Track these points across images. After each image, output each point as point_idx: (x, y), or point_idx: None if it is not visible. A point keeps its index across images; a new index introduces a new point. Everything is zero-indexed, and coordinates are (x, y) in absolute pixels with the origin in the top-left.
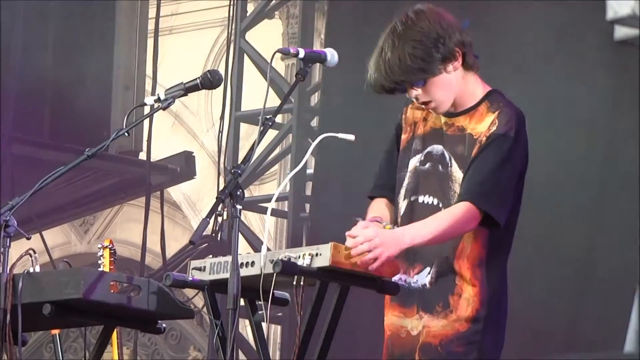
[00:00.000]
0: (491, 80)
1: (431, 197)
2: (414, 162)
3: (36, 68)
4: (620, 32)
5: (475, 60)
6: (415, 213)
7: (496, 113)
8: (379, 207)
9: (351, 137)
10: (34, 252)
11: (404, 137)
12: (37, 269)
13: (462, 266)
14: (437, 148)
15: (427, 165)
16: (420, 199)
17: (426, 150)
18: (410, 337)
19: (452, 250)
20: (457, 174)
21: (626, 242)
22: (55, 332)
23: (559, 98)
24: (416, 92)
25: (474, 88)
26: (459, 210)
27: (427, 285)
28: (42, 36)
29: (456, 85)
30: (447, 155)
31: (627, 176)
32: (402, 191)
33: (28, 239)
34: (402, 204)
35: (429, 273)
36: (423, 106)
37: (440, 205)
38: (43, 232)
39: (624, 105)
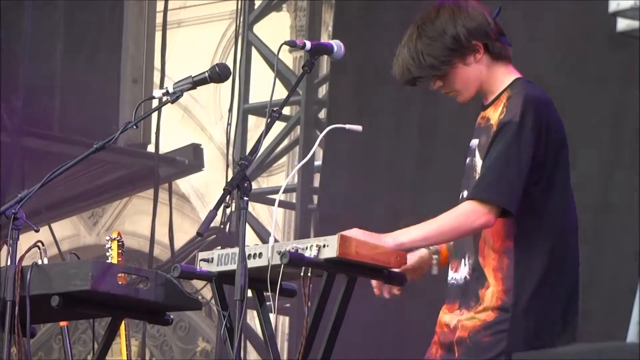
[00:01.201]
0: None
1: (465, 191)
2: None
3: (45, 62)
4: (623, 24)
5: (504, 49)
6: None
7: (506, 100)
8: None
9: (359, 128)
10: (43, 244)
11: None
12: (46, 261)
13: (487, 258)
14: (474, 142)
15: (468, 160)
16: (464, 194)
17: (469, 146)
18: (449, 330)
19: (475, 245)
20: (479, 163)
21: (628, 238)
22: (64, 323)
23: (561, 91)
24: (439, 83)
25: (502, 77)
26: (458, 210)
27: (467, 277)
28: (52, 30)
29: (478, 76)
30: (475, 147)
31: (630, 171)
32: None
33: (36, 231)
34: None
35: (465, 265)
36: (447, 94)
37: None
38: (52, 225)
39: (626, 97)
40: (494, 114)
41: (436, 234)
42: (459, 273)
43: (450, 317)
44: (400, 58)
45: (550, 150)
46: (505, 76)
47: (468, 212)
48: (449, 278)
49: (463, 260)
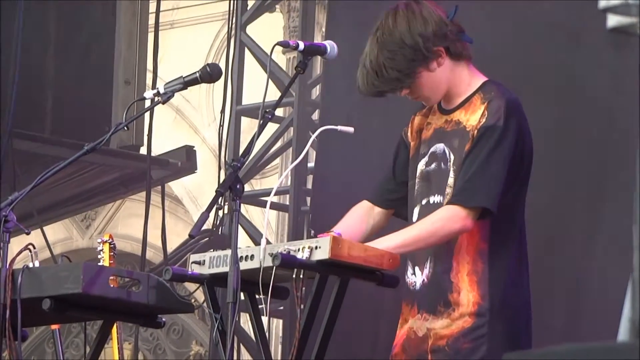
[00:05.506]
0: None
1: (438, 196)
2: (420, 166)
3: (37, 63)
4: (613, 20)
5: (465, 49)
6: (425, 215)
7: (485, 104)
8: (353, 213)
9: (350, 129)
10: (34, 247)
11: (412, 144)
12: (37, 264)
13: (461, 261)
14: (439, 147)
15: (433, 165)
16: (431, 199)
17: (430, 151)
18: (417, 337)
19: (449, 247)
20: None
21: (624, 230)
22: (55, 327)
23: (555, 86)
24: (406, 91)
25: (466, 78)
26: (438, 216)
27: (425, 280)
28: (44, 30)
29: (444, 79)
30: (447, 151)
31: (624, 159)
32: (413, 199)
33: (27, 234)
34: (415, 210)
35: (426, 267)
36: (415, 100)
37: (443, 202)
38: (44, 228)
39: (619, 96)
40: (467, 117)
41: (414, 240)
42: (415, 276)
43: (415, 323)
44: (363, 72)
45: (526, 156)
46: (470, 78)
47: (446, 217)
48: (408, 280)
49: (423, 263)
